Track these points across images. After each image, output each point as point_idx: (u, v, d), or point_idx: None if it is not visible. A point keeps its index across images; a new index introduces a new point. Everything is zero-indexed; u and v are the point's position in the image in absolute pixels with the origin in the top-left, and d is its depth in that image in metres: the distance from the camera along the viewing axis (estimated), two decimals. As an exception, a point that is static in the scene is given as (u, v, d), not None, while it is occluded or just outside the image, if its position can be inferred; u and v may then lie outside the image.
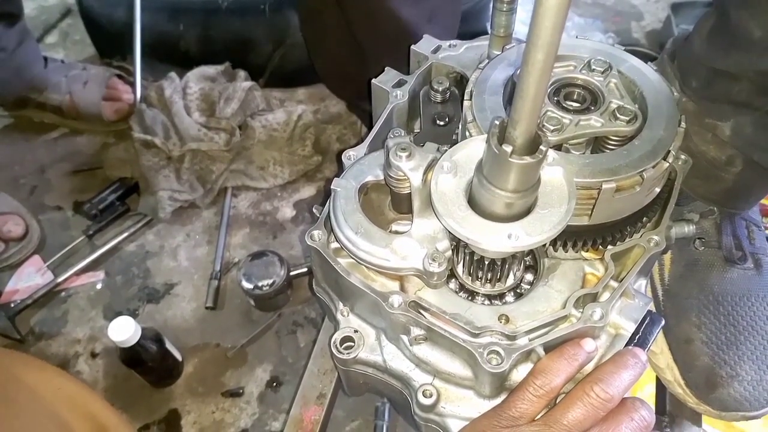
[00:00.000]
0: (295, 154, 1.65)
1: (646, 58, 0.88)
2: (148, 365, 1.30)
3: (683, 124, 0.79)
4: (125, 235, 1.57)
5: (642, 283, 0.91)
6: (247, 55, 1.80)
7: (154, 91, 1.68)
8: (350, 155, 0.91)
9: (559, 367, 0.74)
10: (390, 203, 0.87)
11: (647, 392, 1.13)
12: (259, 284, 1.35)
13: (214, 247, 1.53)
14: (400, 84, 0.99)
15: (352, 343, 0.86)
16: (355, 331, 0.87)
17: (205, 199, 1.60)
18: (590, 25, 1.90)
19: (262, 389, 1.33)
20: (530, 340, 0.77)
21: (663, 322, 0.85)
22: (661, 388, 1.00)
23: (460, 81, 1.03)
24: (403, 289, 0.82)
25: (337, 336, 0.86)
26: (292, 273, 1.39)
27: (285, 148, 1.65)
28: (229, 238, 1.55)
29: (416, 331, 0.80)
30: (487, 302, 0.83)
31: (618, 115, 0.79)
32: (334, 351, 0.85)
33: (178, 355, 1.36)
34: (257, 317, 1.42)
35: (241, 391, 1.33)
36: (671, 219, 0.87)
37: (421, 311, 0.80)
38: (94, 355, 1.40)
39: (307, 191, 1.65)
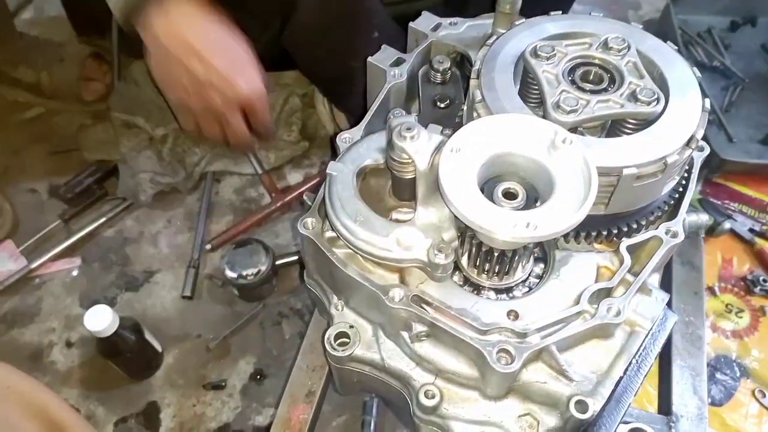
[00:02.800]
0: (281, 140, 1.54)
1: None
2: (127, 356, 1.19)
3: (707, 107, 0.71)
4: (103, 219, 1.44)
5: (656, 277, 0.82)
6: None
7: (138, 68, 1.54)
8: (345, 137, 0.81)
9: None
10: (390, 189, 0.77)
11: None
12: (243, 273, 1.24)
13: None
14: (398, 63, 0.88)
15: (347, 339, 0.77)
16: (351, 327, 0.77)
17: (187, 184, 1.48)
18: (586, 12, 1.81)
19: (245, 382, 1.23)
20: (542, 338, 0.68)
21: (676, 318, 0.77)
22: (664, 387, 0.93)
23: (461, 61, 0.93)
24: (403, 281, 0.73)
25: (331, 332, 0.76)
26: (277, 262, 1.28)
27: (270, 133, 1.54)
28: (211, 225, 1.43)
29: (418, 328, 0.70)
30: (494, 296, 0.74)
31: (639, 97, 0.70)
32: (328, 347, 0.75)
33: (157, 346, 1.25)
34: (241, 307, 1.31)
35: (223, 383, 1.22)
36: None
37: (424, 306, 0.70)
38: (69, 345, 1.29)
39: (294, 178, 1.54)
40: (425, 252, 0.69)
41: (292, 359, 1.07)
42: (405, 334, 0.72)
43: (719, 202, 1.40)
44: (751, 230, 1.36)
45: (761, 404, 1.17)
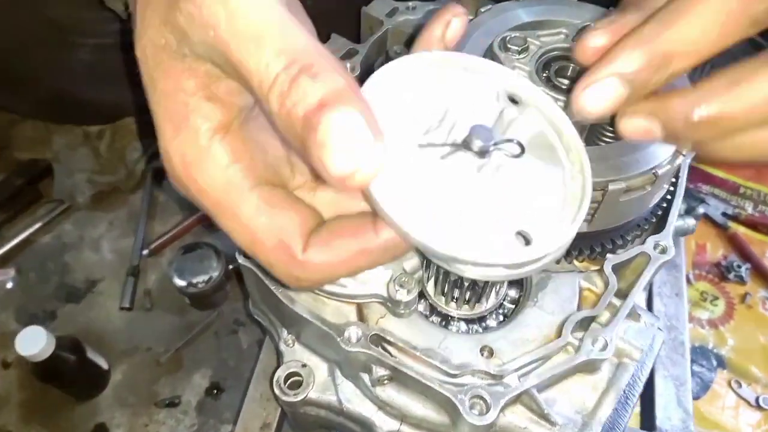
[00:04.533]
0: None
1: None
2: (67, 378, 1.07)
3: (701, 109, 0.60)
4: (38, 225, 1.29)
5: (643, 296, 0.73)
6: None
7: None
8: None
9: None
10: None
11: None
12: (194, 281, 1.12)
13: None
14: (350, 54, 0.75)
15: (300, 378, 0.66)
16: (303, 366, 0.66)
17: (128, 182, 1.33)
18: None
19: (200, 397, 1.12)
20: (521, 379, 0.58)
21: (664, 336, 0.68)
22: (647, 400, 0.85)
23: (421, 50, 0.81)
24: (361, 316, 0.62)
25: (281, 372, 0.65)
26: (230, 266, 1.16)
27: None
28: (156, 227, 1.29)
29: (379, 372, 0.60)
30: (464, 328, 0.64)
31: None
32: (278, 392, 0.64)
33: (103, 363, 1.13)
34: (193, 316, 1.19)
35: (176, 400, 1.11)
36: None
37: (385, 346, 0.60)
38: (5, 365, 1.16)
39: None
40: (385, 286, 0.58)
41: (250, 371, 0.97)
42: (365, 377, 0.62)
43: (691, 186, 1.32)
44: (724, 214, 1.29)
45: (738, 395, 1.12)
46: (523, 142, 0.45)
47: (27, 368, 1.13)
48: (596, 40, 0.44)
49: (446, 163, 0.43)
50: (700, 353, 1.15)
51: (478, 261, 0.40)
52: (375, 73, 0.44)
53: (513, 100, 0.47)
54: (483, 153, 0.43)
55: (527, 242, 0.42)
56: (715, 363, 1.15)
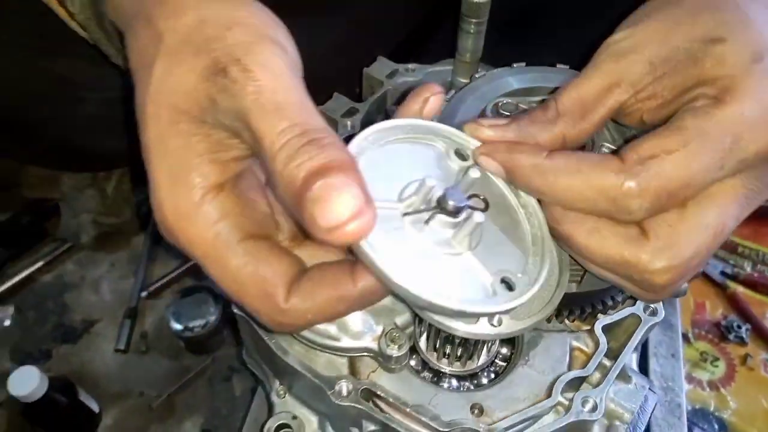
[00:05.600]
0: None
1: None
2: (57, 421, 1.06)
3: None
4: (41, 263, 1.31)
5: (635, 356, 0.74)
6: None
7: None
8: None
9: None
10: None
11: None
12: (190, 325, 1.13)
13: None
14: (351, 113, 0.79)
15: (290, 430, 0.66)
16: (294, 418, 0.66)
17: (133, 224, 1.36)
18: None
19: (191, 445, 1.11)
20: (510, 439, 0.59)
21: (657, 398, 0.68)
22: None
23: (421, 109, 0.84)
24: (353, 369, 0.62)
25: (272, 423, 0.65)
26: (228, 311, 1.17)
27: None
28: (157, 270, 1.31)
29: (369, 426, 0.60)
30: (455, 384, 0.64)
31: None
32: (267, 443, 0.64)
33: (94, 406, 1.12)
34: (188, 361, 1.20)
35: (167, 447, 1.10)
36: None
37: (376, 401, 0.60)
38: (-3, 405, 1.15)
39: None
40: (376, 341, 0.59)
41: (242, 420, 0.96)
42: (355, 431, 0.62)
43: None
44: (723, 273, 1.29)
45: (740, 461, 1.10)
46: (487, 199, 0.51)
47: (17, 409, 1.13)
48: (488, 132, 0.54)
49: (429, 226, 0.48)
50: (701, 416, 1.14)
51: (454, 308, 0.44)
52: (354, 140, 0.48)
53: (462, 157, 0.53)
54: (456, 213, 0.47)
55: (510, 288, 0.47)
56: (716, 427, 1.13)
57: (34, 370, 1.00)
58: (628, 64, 0.51)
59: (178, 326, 1.13)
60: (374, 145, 0.50)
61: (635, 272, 0.50)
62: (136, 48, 0.50)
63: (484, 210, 0.49)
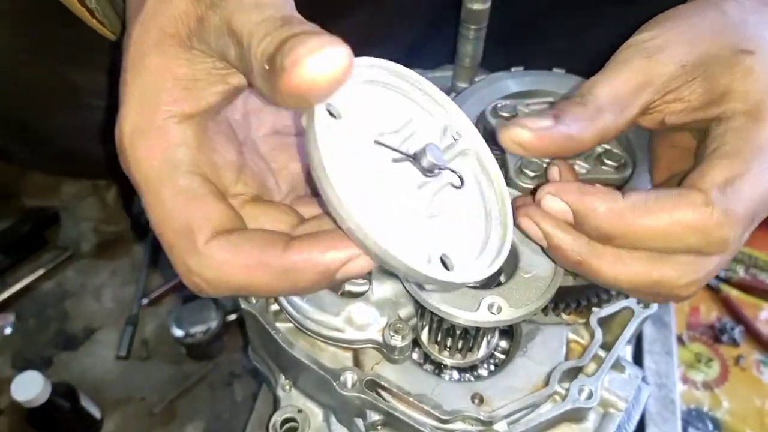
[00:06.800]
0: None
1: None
2: (59, 427, 1.08)
3: (677, 171, 0.66)
4: (41, 271, 1.33)
5: (629, 348, 0.77)
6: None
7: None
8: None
9: None
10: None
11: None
12: (192, 331, 1.16)
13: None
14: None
15: (296, 424, 0.69)
16: (299, 411, 0.69)
17: (134, 232, 1.38)
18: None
19: (193, 450, 1.13)
20: (509, 425, 0.61)
21: (650, 390, 0.71)
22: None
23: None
24: (357, 362, 0.65)
25: (277, 417, 0.68)
26: (228, 318, 1.19)
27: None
28: (157, 277, 1.33)
29: (373, 416, 0.63)
30: (456, 376, 0.67)
31: (605, 161, 0.65)
32: (274, 436, 0.67)
33: (96, 412, 1.14)
34: (189, 366, 1.22)
35: (169, 452, 1.12)
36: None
37: (380, 391, 0.63)
38: (-1, 412, 1.17)
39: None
40: (380, 332, 0.62)
41: (244, 424, 0.98)
42: (359, 422, 0.65)
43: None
44: (717, 277, 1.33)
45: (735, 460, 1.13)
46: (464, 179, 0.50)
47: (20, 416, 1.14)
48: (522, 133, 0.51)
49: (394, 168, 0.46)
50: (695, 416, 1.17)
51: (405, 263, 0.41)
52: (362, 59, 0.46)
53: (455, 139, 0.52)
54: (429, 171, 0.46)
55: (447, 268, 0.45)
56: (710, 426, 1.16)
57: (37, 375, 1.02)
58: (659, 63, 0.51)
59: (179, 332, 1.15)
60: (375, 79, 0.48)
61: (662, 289, 0.50)
62: None
63: (459, 187, 0.48)
